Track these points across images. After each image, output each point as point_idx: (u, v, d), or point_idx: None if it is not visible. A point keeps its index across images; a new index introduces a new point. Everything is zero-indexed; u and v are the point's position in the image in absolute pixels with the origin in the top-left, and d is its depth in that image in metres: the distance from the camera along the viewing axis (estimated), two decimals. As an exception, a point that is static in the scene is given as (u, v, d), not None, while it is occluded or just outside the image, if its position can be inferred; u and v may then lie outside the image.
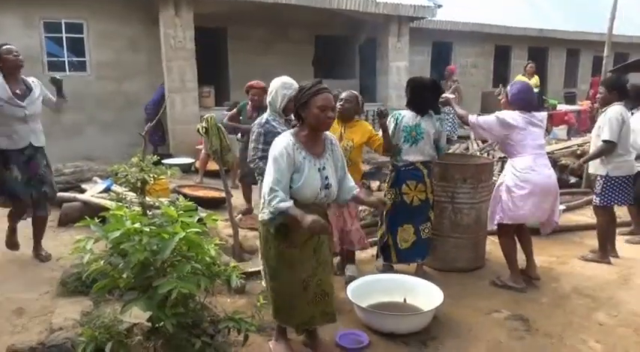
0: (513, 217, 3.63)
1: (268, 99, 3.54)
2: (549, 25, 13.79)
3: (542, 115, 3.74)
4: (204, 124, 4.13)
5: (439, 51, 12.73)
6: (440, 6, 10.22)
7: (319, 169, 2.53)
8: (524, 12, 13.81)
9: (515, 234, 3.83)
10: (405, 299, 3.38)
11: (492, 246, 4.39)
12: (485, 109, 11.67)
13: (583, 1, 15.83)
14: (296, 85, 3.27)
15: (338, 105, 3.69)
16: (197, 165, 7.23)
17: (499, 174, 4.26)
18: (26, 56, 7.95)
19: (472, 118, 3.80)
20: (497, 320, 3.30)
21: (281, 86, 3.46)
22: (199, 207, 4.29)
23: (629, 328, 3.19)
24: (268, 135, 3.32)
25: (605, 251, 4.34)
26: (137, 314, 2.22)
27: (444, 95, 3.94)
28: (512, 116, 3.62)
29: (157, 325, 2.22)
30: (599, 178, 4.29)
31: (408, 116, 3.79)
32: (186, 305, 2.23)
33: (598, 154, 4.21)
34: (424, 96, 3.76)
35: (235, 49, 9.94)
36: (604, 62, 7.15)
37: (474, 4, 12.73)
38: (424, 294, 3.30)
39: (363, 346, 2.93)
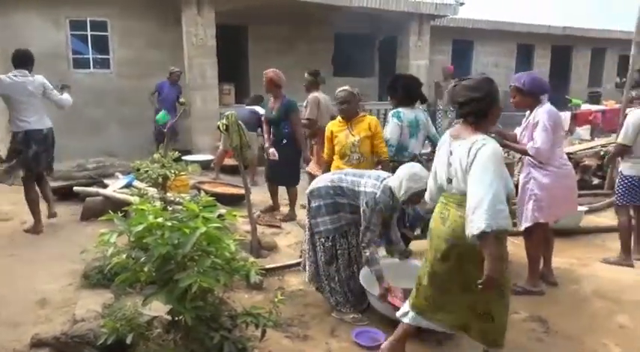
0: (551, 214, 3.56)
1: (393, 184, 3.05)
2: (574, 23, 13.53)
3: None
4: (224, 121, 4.18)
5: (460, 49, 12.61)
6: (462, 4, 10.14)
7: None
8: (547, 10, 13.59)
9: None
10: None
11: (512, 247, 4.33)
12: (507, 108, 11.50)
13: (609, -1, 15.48)
14: (426, 179, 2.77)
15: (338, 107, 3.98)
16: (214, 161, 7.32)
17: (519, 174, 4.19)
18: (52, 54, 8.22)
19: (531, 150, 3.41)
20: (516, 321, 3.27)
21: (409, 178, 3.00)
22: (218, 203, 4.38)
23: (651, 333, 3.13)
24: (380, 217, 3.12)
25: (628, 253, 4.26)
26: (158, 307, 2.27)
27: (495, 130, 3.48)
28: (553, 118, 3.44)
29: (176, 318, 2.26)
30: (618, 177, 4.27)
31: (405, 112, 3.91)
32: (205, 300, 2.26)
33: (613, 156, 4.18)
34: (414, 89, 3.99)
35: (256, 46, 10.01)
36: (631, 61, 6.97)
37: (495, 2, 12.58)
38: None
39: (380, 344, 2.93)
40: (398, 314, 2.76)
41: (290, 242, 4.60)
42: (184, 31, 8.24)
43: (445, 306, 2.53)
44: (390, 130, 3.91)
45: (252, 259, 3.25)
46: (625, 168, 4.22)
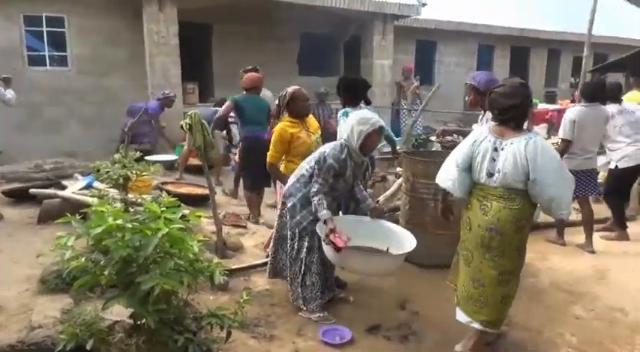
0: None
1: (344, 136, 3.17)
2: (531, 25, 13.99)
3: None
4: (187, 121, 4.11)
5: (423, 49, 12.82)
6: (424, 4, 10.31)
7: None
8: (506, 12, 13.97)
9: None
10: (387, 249, 3.20)
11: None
12: (469, 108, 11.78)
13: (564, 2, 16.08)
14: (374, 120, 3.14)
15: (302, 103, 3.81)
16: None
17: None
18: (5, 50, 7.89)
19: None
20: (477, 315, 3.36)
21: (358, 122, 3.13)
22: (182, 204, 4.31)
23: (604, 321, 3.28)
24: (334, 173, 3.14)
25: (590, 241, 4.61)
26: (119, 311, 2.22)
27: (443, 132, 3.89)
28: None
29: (139, 322, 2.22)
30: None
31: (352, 111, 4.03)
32: (169, 302, 2.23)
33: (560, 154, 4.44)
34: (359, 91, 4.23)
35: (220, 45, 9.89)
36: (583, 62, 7.28)
37: (457, 3, 12.85)
38: (400, 240, 3.21)
39: (346, 341, 2.96)
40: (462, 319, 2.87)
41: (256, 242, 4.57)
42: (145, 28, 8.06)
43: (465, 285, 2.83)
44: (338, 128, 4.13)
45: (217, 260, 3.21)
46: (565, 162, 4.42)
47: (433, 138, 8.14)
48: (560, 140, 4.57)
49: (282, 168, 3.83)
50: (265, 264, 3.98)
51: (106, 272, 2.12)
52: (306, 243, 3.25)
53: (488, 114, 3.53)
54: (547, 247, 4.65)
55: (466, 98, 3.75)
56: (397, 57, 11.26)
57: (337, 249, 2.90)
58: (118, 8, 8.61)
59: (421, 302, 3.49)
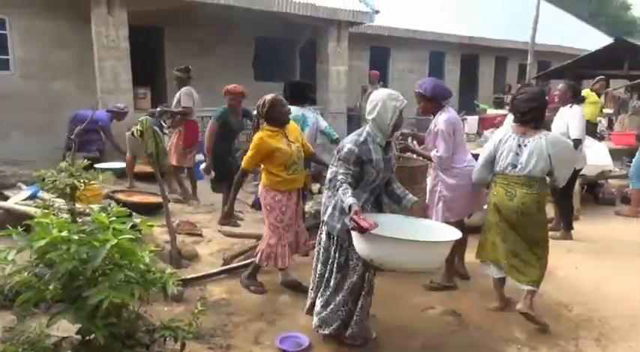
0: (459, 213, 3.77)
1: (372, 115, 2.87)
2: (479, 34, 14.54)
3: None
4: (139, 127, 4.00)
5: (377, 56, 13.07)
6: (377, 12, 10.50)
7: None
8: (456, 21, 14.47)
9: None
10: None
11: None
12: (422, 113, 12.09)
13: (510, 12, 16.82)
14: (402, 97, 2.90)
15: (280, 109, 3.58)
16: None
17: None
18: (-61, 53, 7.41)
19: (435, 158, 3.72)
20: (432, 316, 3.44)
21: (388, 97, 2.88)
22: (135, 213, 4.18)
23: (550, 318, 3.42)
24: (357, 160, 2.80)
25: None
26: (66, 327, 2.12)
27: (402, 136, 3.91)
28: (451, 123, 3.63)
29: (87, 337, 2.13)
30: None
31: (293, 109, 4.28)
32: (119, 315, 2.15)
33: None
34: (303, 92, 4.65)
35: (173, 49, 9.69)
36: (528, 69, 7.62)
37: (410, 12, 13.18)
38: (438, 233, 2.85)
39: (304, 348, 2.95)
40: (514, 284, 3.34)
41: (212, 250, 4.50)
42: (94, 31, 7.78)
43: (508, 256, 3.35)
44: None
45: (170, 270, 3.13)
46: None
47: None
48: None
49: (263, 177, 3.67)
50: (221, 272, 3.93)
51: (51, 287, 2.03)
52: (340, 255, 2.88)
53: (509, 118, 3.96)
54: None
55: (417, 107, 3.84)
56: (352, 63, 11.41)
57: (362, 230, 2.53)
58: (63, 10, 8.26)
59: (378, 306, 3.51)
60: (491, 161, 3.40)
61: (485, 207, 3.63)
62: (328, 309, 2.91)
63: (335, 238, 2.88)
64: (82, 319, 1.98)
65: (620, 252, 4.75)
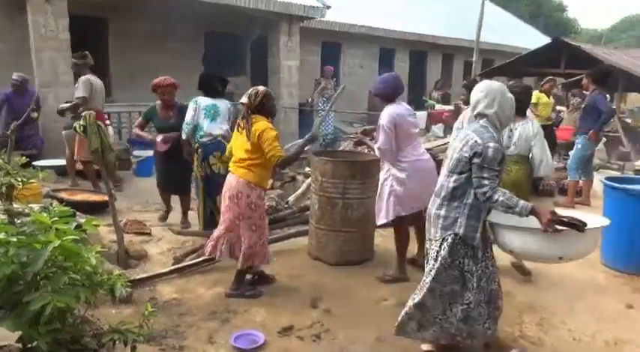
0: (411, 207, 3.80)
1: (492, 109, 2.60)
2: (427, 31, 14.90)
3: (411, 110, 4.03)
4: (82, 122, 3.81)
5: (329, 51, 13.12)
6: (329, 7, 10.52)
7: None
8: (406, 18, 14.75)
9: (414, 223, 4.02)
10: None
11: (380, 239, 4.64)
12: (373, 108, 12.27)
13: (456, 11, 17.33)
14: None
15: (271, 102, 3.52)
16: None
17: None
18: None
19: (376, 149, 3.83)
20: (385, 307, 3.50)
21: (504, 89, 2.68)
22: (80, 213, 3.99)
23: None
24: (502, 158, 2.56)
25: None
26: (4, 335, 1.99)
27: (358, 135, 4.29)
28: (392, 117, 3.71)
29: (29, 345, 2.01)
30: None
31: (202, 99, 4.60)
32: (64, 321, 2.04)
33: None
34: (214, 84, 4.68)
35: (117, 42, 9.31)
36: (473, 66, 7.87)
37: (360, 8, 13.31)
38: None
39: (259, 345, 2.93)
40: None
41: (162, 249, 4.38)
42: (30, 21, 7.33)
43: None
44: (187, 113, 4.58)
45: (118, 271, 3.02)
46: None
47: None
48: None
49: (249, 175, 3.44)
50: (172, 271, 3.83)
51: (-13, 293, 1.89)
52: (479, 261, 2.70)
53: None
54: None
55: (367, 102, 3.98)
56: (304, 58, 11.40)
57: (581, 228, 2.44)
58: (-4, -2, 7.76)
59: (333, 300, 3.55)
60: None
61: None
62: (469, 322, 2.69)
63: (472, 248, 2.64)
64: (22, 326, 1.86)
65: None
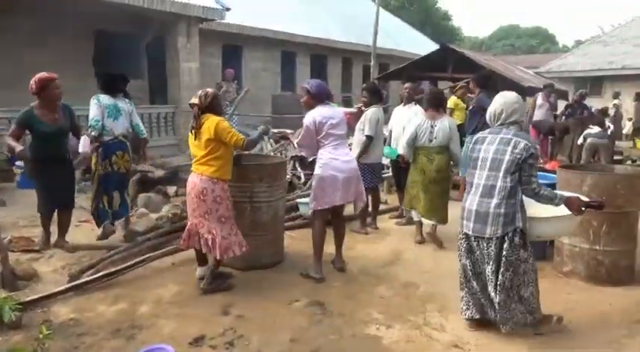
0: (325, 202, 3.98)
1: (516, 116, 3.07)
2: (327, 36, 15.30)
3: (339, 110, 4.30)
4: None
5: (230, 54, 12.93)
6: (228, 9, 10.39)
7: None
8: (306, 22, 15.01)
9: (333, 224, 4.21)
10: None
11: (290, 240, 4.67)
12: (277, 111, 12.33)
13: (353, 17, 18.00)
14: None
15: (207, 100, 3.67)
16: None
17: (292, 173, 4.56)
18: None
19: (295, 143, 4.25)
20: (297, 308, 3.53)
21: (509, 102, 3.11)
22: (-49, 232, 3.53)
23: (401, 297, 3.77)
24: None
25: (364, 224, 5.45)
26: None
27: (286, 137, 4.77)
28: (313, 118, 3.96)
29: None
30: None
31: (104, 98, 4.60)
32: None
33: (365, 149, 5.22)
34: (116, 83, 4.74)
35: (-6, 38, 8.39)
36: (371, 71, 8.24)
37: (261, 11, 13.29)
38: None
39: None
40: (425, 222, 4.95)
41: (55, 266, 4.03)
42: None
43: (426, 203, 4.85)
44: (92, 110, 4.53)
45: (4, 294, 2.72)
46: (366, 157, 5.24)
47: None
48: (365, 137, 5.20)
49: (212, 171, 3.59)
50: (67, 290, 3.54)
51: None
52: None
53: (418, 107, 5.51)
54: (353, 237, 5.13)
55: (301, 99, 4.14)
56: (205, 60, 11.14)
57: (601, 207, 3.09)
58: None
59: (244, 305, 3.51)
60: (414, 140, 4.79)
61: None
62: (519, 308, 3.07)
63: (525, 237, 3.03)
64: None
65: (454, 232, 5.39)
